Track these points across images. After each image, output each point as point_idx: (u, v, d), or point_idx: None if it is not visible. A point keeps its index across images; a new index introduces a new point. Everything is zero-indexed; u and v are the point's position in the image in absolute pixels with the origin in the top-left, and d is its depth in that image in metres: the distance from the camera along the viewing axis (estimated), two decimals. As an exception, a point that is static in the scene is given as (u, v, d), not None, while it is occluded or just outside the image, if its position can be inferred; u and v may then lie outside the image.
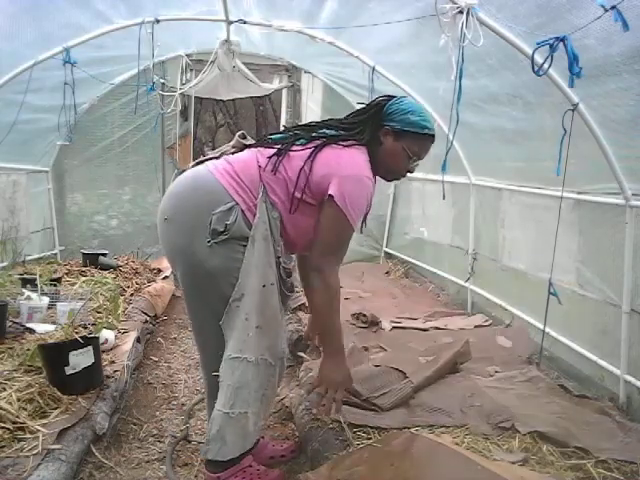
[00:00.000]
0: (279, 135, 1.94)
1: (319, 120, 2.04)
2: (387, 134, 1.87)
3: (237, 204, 1.79)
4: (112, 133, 5.33)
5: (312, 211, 1.83)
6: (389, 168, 1.93)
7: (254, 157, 1.86)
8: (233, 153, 1.96)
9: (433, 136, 1.89)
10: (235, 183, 1.81)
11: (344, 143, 1.84)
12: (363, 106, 1.96)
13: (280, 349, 1.92)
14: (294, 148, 1.85)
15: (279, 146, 1.85)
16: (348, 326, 3.53)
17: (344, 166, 1.79)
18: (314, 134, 1.88)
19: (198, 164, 1.96)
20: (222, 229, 1.76)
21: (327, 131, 1.89)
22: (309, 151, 1.82)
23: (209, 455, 1.89)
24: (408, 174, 1.96)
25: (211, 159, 1.95)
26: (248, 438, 1.90)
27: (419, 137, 1.86)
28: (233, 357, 1.82)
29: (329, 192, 1.76)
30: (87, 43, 3.67)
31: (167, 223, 1.85)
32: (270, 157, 1.83)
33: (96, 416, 2.18)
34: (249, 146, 1.96)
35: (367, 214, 1.95)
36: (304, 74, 5.62)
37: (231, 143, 2.02)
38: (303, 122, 5.78)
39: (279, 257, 1.85)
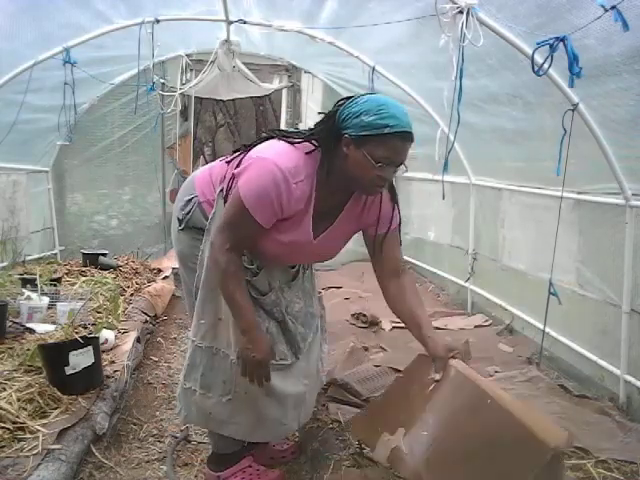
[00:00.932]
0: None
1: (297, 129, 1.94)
2: (348, 144, 1.59)
3: (196, 196, 1.87)
4: (112, 133, 5.33)
5: None
6: (358, 180, 1.64)
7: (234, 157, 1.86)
8: None
9: (403, 133, 1.56)
10: (203, 178, 1.90)
11: (289, 139, 1.70)
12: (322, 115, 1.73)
13: None
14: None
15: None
16: (348, 326, 3.53)
17: (259, 150, 1.69)
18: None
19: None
20: (181, 216, 1.89)
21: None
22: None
23: (176, 411, 2.04)
24: (385, 182, 1.65)
25: None
26: (210, 419, 1.88)
27: (382, 138, 1.54)
28: (189, 338, 1.94)
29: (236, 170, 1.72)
30: (87, 43, 3.67)
31: None
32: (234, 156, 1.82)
33: (96, 416, 2.18)
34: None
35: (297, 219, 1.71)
36: (304, 74, 5.62)
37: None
38: (303, 122, 5.79)
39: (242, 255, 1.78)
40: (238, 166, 1.73)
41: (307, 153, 1.67)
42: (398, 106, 1.59)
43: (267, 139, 1.77)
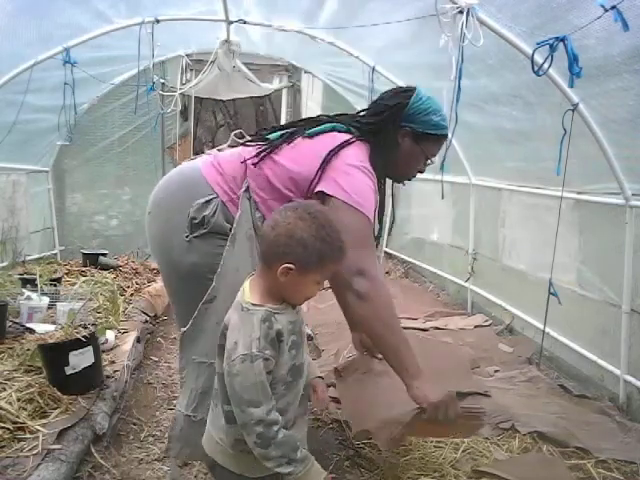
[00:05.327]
0: (276, 133, 1.77)
1: (328, 114, 1.84)
2: (406, 135, 1.73)
3: (217, 196, 1.66)
4: (112, 133, 5.34)
5: None
6: (402, 170, 1.81)
7: (240, 151, 1.76)
8: None
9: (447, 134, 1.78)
10: (217, 174, 1.70)
11: (344, 137, 1.67)
12: (379, 105, 1.78)
13: None
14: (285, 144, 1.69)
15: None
16: (348, 326, 3.53)
17: (341, 156, 1.61)
18: (316, 129, 1.70)
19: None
20: (200, 220, 1.64)
21: (336, 125, 1.73)
22: (300, 143, 1.67)
23: (171, 454, 1.81)
24: (418, 174, 1.84)
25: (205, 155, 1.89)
26: None
27: (438, 139, 1.76)
28: (198, 361, 1.70)
29: (320, 189, 1.59)
30: (87, 43, 3.67)
31: (150, 217, 1.78)
32: (258, 153, 1.68)
33: (96, 416, 2.18)
34: (244, 144, 1.85)
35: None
36: (304, 74, 5.63)
37: (228, 142, 1.95)
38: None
39: None
40: (262, 159, 1.64)
41: (362, 143, 1.69)
42: None
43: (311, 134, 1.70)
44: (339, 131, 1.70)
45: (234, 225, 1.64)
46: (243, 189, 1.66)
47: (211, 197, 1.66)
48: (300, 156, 1.66)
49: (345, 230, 1.40)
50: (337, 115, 1.81)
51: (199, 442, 1.61)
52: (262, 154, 1.67)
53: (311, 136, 1.68)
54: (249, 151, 1.73)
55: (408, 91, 1.75)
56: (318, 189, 1.60)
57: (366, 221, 1.59)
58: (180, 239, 1.66)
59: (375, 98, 1.85)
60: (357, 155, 1.64)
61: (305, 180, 1.63)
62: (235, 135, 1.92)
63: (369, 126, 1.73)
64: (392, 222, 5.48)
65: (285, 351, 1.26)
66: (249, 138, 1.88)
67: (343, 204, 1.56)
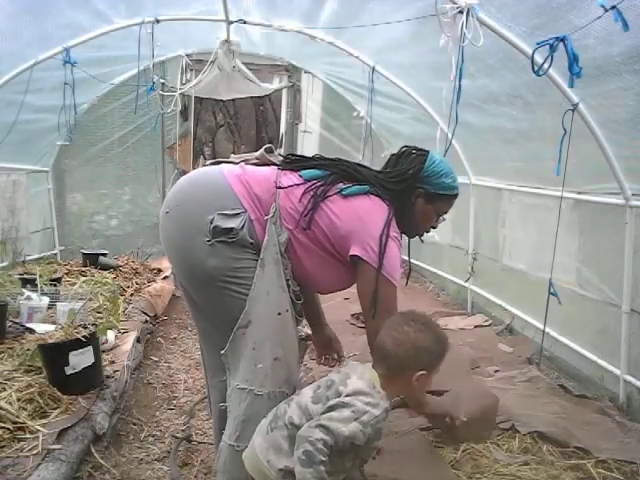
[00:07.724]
0: (311, 172, 1.79)
1: (353, 162, 1.88)
2: (419, 196, 1.84)
3: (246, 211, 1.69)
4: (112, 133, 5.34)
5: (331, 258, 1.74)
6: (417, 227, 1.92)
7: (274, 174, 1.77)
8: (255, 165, 1.89)
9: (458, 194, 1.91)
10: (245, 191, 1.72)
11: (380, 203, 1.77)
12: (402, 170, 1.84)
13: (295, 378, 1.78)
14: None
15: (309, 186, 1.73)
16: (348, 326, 3.53)
17: (376, 226, 1.70)
18: (351, 190, 1.76)
19: (215, 164, 1.92)
20: (224, 230, 1.66)
21: (370, 189, 1.79)
22: (340, 205, 1.73)
23: None
24: (432, 230, 1.97)
25: (230, 162, 1.89)
26: None
27: (450, 198, 1.88)
28: (240, 387, 1.70)
29: (357, 254, 1.68)
30: (87, 43, 3.68)
31: (168, 217, 1.76)
32: (306, 214, 1.70)
33: (96, 416, 2.18)
34: (274, 163, 1.87)
35: None
36: (304, 74, 5.64)
37: (256, 154, 1.95)
38: (303, 122, 5.80)
39: (288, 279, 1.73)
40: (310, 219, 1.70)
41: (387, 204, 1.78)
42: None
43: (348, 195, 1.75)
44: (372, 194, 1.77)
45: (262, 250, 1.68)
46: (271, 214, 1.69)
47: (239, 211, 1.69)
48: (339, 212, 1.72)
49: (379, 299, 1.69)
50: (358, 165, 1.87)
51: (242, 476, 1.63)
52: (308, 215, 1.70)
53: (346, 196, 1.75)
54: (287, 187, 1.74)
55: (422, 155, 1.85)
56: (354, 253, 1.68)
57: (395, 290, 1.74)
58: (201, 242, 1.67)
59: (394, 158, 1.90)
60: (393, 227, 1.75)
61: (339, 235, 1.71)
62: (265, 150, 1.95)
63: (393, 192, 1.81)
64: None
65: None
66: (279, 158, 1.90)
67: (380, 276, 1.69)
